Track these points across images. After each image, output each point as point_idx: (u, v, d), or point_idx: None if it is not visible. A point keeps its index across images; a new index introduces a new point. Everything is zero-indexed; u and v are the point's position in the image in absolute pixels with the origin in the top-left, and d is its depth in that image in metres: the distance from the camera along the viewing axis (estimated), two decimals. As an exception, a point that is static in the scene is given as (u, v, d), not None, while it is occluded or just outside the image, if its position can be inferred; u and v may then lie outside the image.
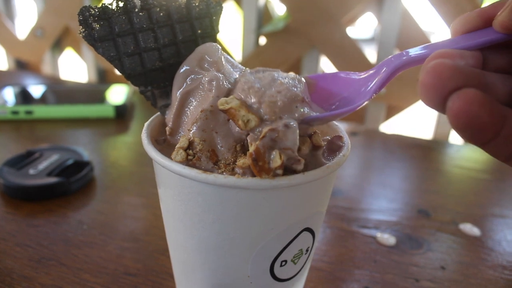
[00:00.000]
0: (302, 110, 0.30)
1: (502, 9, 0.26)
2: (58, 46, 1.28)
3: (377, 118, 0.99)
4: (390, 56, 0.31)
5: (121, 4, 0.34)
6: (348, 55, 0.94)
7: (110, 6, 0.34)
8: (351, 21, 1.00)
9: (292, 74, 0.34)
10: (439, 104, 0.24)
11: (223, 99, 0.30)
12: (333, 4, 0.90)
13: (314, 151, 0.32)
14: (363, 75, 0.33)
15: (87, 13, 0.33)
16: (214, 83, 0.32)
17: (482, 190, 0.68)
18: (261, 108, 0.30)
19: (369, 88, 0.32)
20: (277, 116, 0.30)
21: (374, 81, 0.32)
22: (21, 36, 1.29)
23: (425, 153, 0.81)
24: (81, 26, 0.33)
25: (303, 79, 0.34)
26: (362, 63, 0.93)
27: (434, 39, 0.93)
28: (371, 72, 0.33)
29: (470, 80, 0.23)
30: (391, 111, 1.00)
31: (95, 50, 0.34)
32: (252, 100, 0.30)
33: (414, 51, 0.30)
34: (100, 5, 0.34)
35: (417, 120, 1.61)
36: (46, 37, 1.24)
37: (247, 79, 0.32)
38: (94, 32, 0.33)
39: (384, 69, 0.31)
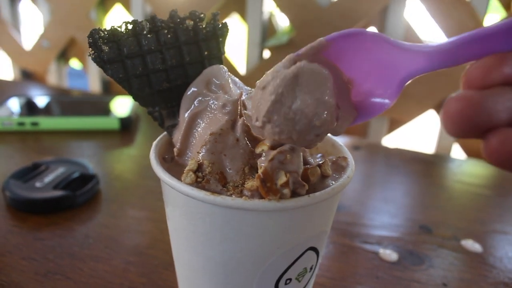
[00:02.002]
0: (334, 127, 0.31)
1: None
2: (63, 56, 1.29)
3: (380, 131, 1.00)
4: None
5: (130, 26, 0.35)
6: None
7: (119, 29, 0.35)
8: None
9: (313, 69, 0.29)
10: (466, 136, 0.24)
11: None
12: (336, 18, 0.91)
13: (322, 179, 0.33)
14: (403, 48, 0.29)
15: (97, 36, 0.34)
16: (228, 108, 0.33)
17: (484, 206, 0.68)
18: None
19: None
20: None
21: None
22: (27, 46, 1.30)
23: (427, 167, 0.81)
24: (90, 48, 0.34)
25: (328, 78, 0.29)
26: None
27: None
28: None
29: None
30: (393, 124, 1.01)
31: (104, 71, 0.35)
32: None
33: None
34: (109, 27, 0.35)
35: (419, 133, 1.62)
36: (52, 48, 1.25)
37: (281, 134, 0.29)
38: (104, 54, 0.34)
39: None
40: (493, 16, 0.89)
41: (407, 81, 0.29)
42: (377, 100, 0.31)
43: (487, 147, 0.24)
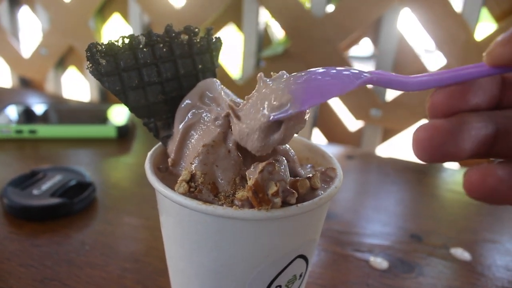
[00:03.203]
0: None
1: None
2: (61, 64, 1.30)
3: (373, 141, 1.01)
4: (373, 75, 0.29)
5: (126, 41, 0.36)
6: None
7: (116, 43, 0.36)
8: (349, 46, 1.03)
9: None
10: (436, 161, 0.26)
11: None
12: (331, 30, 0.93)
13: (312, 190, 0.34)
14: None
15: (95, 50, 0.35)
16: (220, 121, 0.35)
17: (474, 215, 0.69)
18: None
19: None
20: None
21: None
22: (25, 54, 1.31)
23: (419, 177, 0.83)
24: (88, 62, 0.35)
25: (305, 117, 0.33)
26: (360, 88, 0.95)
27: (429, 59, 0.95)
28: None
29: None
30: (387, 134, 1.02)
31: (101, 84, 0.36)
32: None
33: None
34: (107, 41, 0.36)
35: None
36: (50, 56, 1.26)
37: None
38: (101, 67, 0.35)
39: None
40: (485, 24, 0.90)
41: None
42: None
43: (467, 182, 0.25)
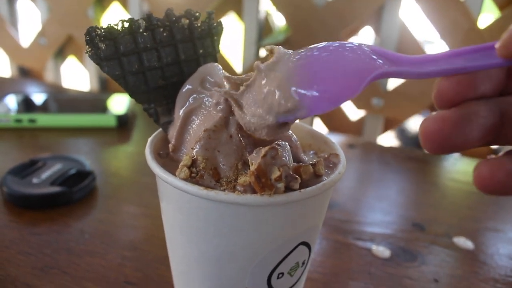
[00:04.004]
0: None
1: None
2: (60, 54, 1.29)
3: (375, 130, 1.01)
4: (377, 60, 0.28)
5: (126, 24, 0.36)
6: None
7: (115, 27, 0.35)
8: (351, 34, 1.02)
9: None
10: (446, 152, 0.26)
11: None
12: (332, 18, 0.92)
13: (315, 177, 0.33)
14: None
15: (94, 33, 0.34)
16: (221, 105, 0.34)
17: (477, 204, 0.69)
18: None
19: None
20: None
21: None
22: (24, 44, 1.30)
23: (421, 166, 0.82)
24: (87, 46, 0.35)
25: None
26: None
27: (431, 50, 0.95)
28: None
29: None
30: (388, 124, 1.01)
31: (101, 68, 0.35)
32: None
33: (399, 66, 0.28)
34: (106, 25, 0.35)
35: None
36: (49, 45, 1.26)
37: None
38: (100, 51, 0.35)
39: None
40: (487, 15, 0.89)
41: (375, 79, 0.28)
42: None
43: (478, 177, 0.25)
